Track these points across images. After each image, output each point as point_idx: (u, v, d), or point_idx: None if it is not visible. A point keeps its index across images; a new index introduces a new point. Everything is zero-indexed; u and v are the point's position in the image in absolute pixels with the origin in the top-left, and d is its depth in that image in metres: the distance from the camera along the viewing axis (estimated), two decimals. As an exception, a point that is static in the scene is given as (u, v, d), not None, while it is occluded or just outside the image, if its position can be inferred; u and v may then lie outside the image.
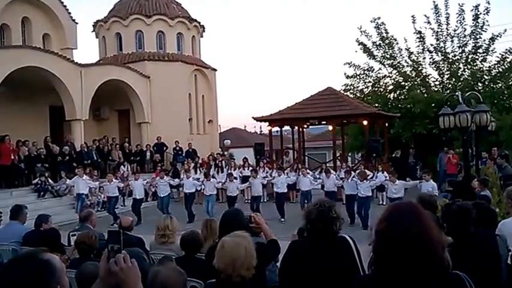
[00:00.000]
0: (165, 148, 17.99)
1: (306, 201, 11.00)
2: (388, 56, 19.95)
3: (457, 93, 9.47)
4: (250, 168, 15.01)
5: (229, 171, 14.93)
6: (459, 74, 19.05)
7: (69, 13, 18.57)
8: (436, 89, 19.40)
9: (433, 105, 17.72)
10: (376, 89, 20.50)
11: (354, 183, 10.67)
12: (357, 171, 12.21)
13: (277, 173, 12.70)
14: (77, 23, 18.91)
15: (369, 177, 12.02)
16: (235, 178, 13.06)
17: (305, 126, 17.62)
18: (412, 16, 19.57)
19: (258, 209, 10.45)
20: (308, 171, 14.06)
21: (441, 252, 1.48)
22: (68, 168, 13.80)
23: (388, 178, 13.04)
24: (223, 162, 15.86)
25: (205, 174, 12.75)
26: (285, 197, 12.09)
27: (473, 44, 18.90)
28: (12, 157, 12.93)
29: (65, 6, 18.39)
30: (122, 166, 15.63)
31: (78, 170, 12.27)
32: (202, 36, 21.84)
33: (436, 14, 19.27)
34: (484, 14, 18.67)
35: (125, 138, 18.37)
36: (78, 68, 16.03)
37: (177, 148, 17.67)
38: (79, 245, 4.03)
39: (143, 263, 2.39)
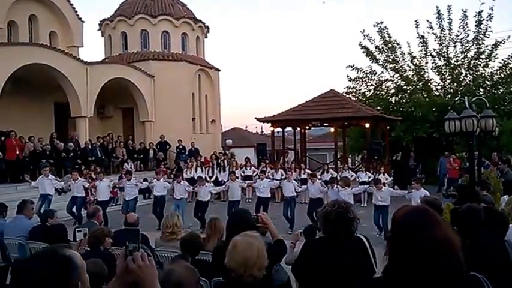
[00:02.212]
0: (168, 147, 18.14)
1: (289, 209, 10.08)
2: (390, 60, 20.12)
3: (463, 99, 9.57)
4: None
5: (231, 170, 14.88)
6: (461, 79, 19.22)
7: (76, 11, 18.72)
8: (437, 94, 19.56)
9: (434, 109, 17.90)
10: (378, 92, 20.66)
11: (337, 190, 9.79)
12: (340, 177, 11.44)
13: (259, 176, 11.51)
14: (83, 22, 19.06)
15: (369, 179, 12.00)
16: (207, 181, 12.09)
17: (307, 127, 17.76)
18: (416, 21, 19.77)
19: None
20: (310, 171, 14.03)
21: (459, 253, 1.47)
22: (72, 165, 13.94)
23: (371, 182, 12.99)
24: (225, 161, 16.00)
25: (175, 175, 11.50)
26: (268, 203, 10.71)
27: (476, 50, 19.05)
28: (18, 152, 13.09)
29: (71, 4, 18.53)
30: (126, 163, 15.79)
31: (44, 170, 11.30)
32: (206, 37, 22.00)
33: (439, 19, 19.45)
34: (487, 20, 18.84)
35: (129, 136, 18.53)
36: (83, 66, 16.19)
37: (180, 147, 17.84)
38: (93, 239, 4.16)
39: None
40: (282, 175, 12.94)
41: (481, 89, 18.86)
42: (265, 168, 14.24)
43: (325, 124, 17.67)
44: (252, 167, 15.56)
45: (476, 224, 2.79)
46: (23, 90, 15.04)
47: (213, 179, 14.88)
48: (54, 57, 15.02)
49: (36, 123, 15.51)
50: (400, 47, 20.05)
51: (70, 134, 16.00)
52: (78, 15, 18.82)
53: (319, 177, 12.85)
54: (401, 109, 19.31)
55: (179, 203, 10.54)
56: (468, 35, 19.15)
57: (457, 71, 19.17)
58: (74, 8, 18.64)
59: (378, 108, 18.61)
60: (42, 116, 16.31)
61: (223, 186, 11.83)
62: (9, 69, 13.33)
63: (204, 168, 15.59)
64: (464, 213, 2.87)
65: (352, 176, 13.74)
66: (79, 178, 11.34)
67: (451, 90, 19.35)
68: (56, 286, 1.32)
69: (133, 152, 17.28)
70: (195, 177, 14.64)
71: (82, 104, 15.90)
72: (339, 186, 9.68)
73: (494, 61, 19.10)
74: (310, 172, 13.85)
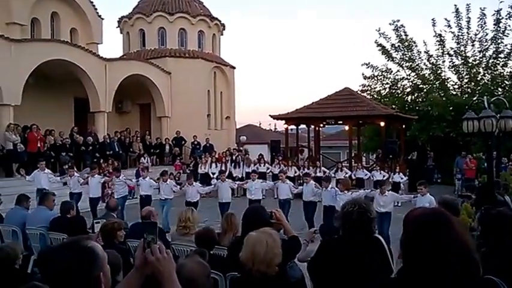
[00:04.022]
0: (183, 142, 18.43)
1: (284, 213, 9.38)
2: (406, 58, 19.96)
3: (481, 98, 9.43)
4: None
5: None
6: (479, 79, 18.95)
7: (96, 9, 19.13)
8: (454, 93, 19.33)
9: (451, 108, 17.72)
10: (393, 91, 20.54)
11: (333, 192, 8.72)
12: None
13: (251, 177, 10.49)
14: (102, 19, 19.45)
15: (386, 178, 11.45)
16: (196, 181, 10.94)
17: (321, 125, 17.78)
18: (433, 19, 19.58)
19: None
20: (325, 169, 13.84)
21: (474, 255, 1.44)
22: (92, 159, 14.30)
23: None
24: (239, 157, 16.15)
25: (162, 173, 10.52)
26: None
27: (495, 49, 18.76)
28: (39, 145, 13.49)
29: (91, 2, 18.93)
30: (142, 158, 16.11)
31: (40, 164, 10.88)
32: (222, 35, 22.18)
33: (457, 17, 19.20)
34: (506, 19, 18.55)
35: (146, 131, 18.88)
36: (103, 62, 16.55)
37: (195, 142, 18.10)
38: (105, 233, 4.16)
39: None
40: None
41: (500, 89, 18.58)
42: (257, 168, 13.90)
43: (339, 122, 17.66)
44: (266, 164, 15.68)
45: (504, 230, 2.72)
46: (45, 85, 15.45)
47: (226, 174, 14.95)
48: (75, 54, 15.40)
49: (57, 117, 15.91)
50: (417, 46, 19.89)
51: (89, 128, 16.38)
52: (98, 12, 19.21)
53: (332, 175, 12.83)
54: (417, 108, 19.16)
55: (164, 203, 9.75)
56: (487, 34, 18.89)
57: (474, 70, 18.92)
58: (94, 5, 19.04)
59: (393, 106, 18.50)
60: (62, 111, 16.71)
61: (212, 186, 10.88)
62: (32, 64, 13.76)
63: (218, 164, 15.77)
64: (494, 217, 2.80)
65: (366, 175, 13.74)
66: (75, 174, 11.03)
67: (469, 90, 19.11)
68: (80, 276, 1.37)
69: (150, 146, 17.62)
70: (210, 173, 14.94)
71: (101, 99, 16.27)
72: (337, 189, 8.66)
73: (513, 60, 18.81)
74: (325, 170, 13.79)
